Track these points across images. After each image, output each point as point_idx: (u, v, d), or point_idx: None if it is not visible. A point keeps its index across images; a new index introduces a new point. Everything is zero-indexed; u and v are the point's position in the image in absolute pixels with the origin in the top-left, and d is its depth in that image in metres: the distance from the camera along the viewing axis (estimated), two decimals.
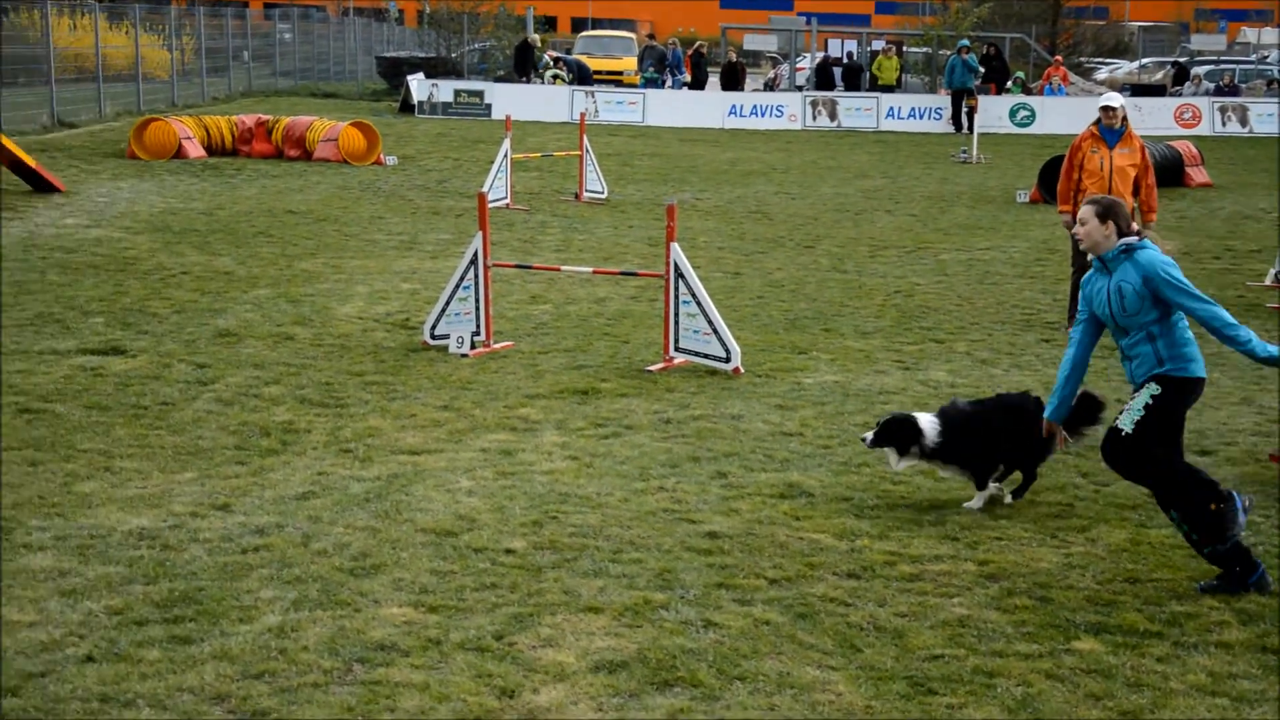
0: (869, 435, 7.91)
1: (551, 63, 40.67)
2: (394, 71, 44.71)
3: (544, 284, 14.68)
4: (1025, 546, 7.32)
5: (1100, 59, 54.42)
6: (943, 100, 37.66)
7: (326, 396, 10.02)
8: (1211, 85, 43.50)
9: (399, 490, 7.95)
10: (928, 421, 7.81)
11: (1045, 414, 7.18)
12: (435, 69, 42.73)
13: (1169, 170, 23.93)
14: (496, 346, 11.72)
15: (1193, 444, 8.66)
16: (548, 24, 70.34)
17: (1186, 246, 13.47)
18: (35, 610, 6.07)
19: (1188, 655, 6.03)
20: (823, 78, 41.45)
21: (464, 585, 6.57)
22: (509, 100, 36.32)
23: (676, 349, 11.21)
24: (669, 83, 42.30)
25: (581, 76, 40.32)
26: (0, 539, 6.93)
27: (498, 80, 40.87)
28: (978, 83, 36.95)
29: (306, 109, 34.77)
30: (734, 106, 38.22)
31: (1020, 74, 41.13)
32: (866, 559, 7.05)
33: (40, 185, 19.58)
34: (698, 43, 44.49)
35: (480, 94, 37.92)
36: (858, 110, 37.69)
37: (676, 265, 11.10)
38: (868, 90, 39.80)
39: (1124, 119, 12.86)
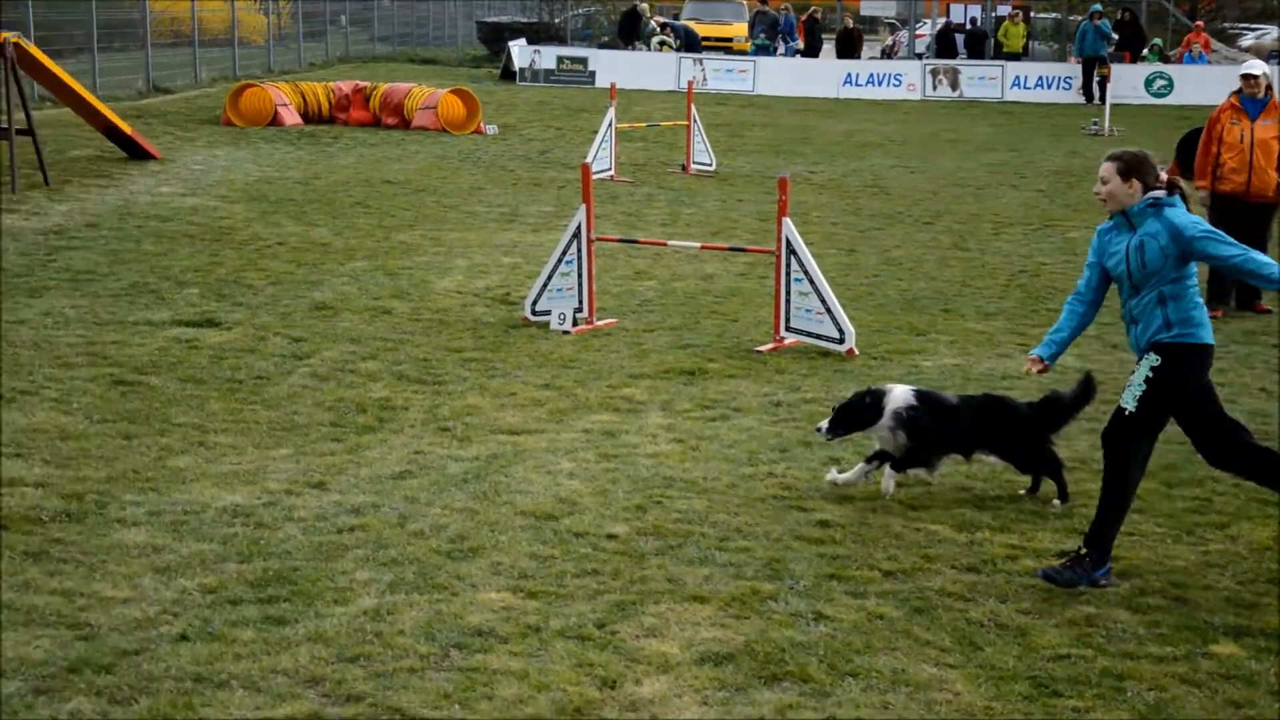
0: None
1: (658, 29, 40.57)
2: (495, 37, 44.96)
3: (649, 259, 14.68)
4: (1159, 543, 7.18)
5: (1245, 24, 52.99)
6: (1073, 69, 36.93)
7: (424, 373, 10.11)
8: None
9: (498, 471, 8.01)
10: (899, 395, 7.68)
11: (1033, 350, 6.95)
12: (538, 35, 42.91)
13: None
14: (600, 324, 11.74)
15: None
16: None
17: None
18: (129, 586, 6.21)
19: None
20: (944, 45, 40.87)
21: (564, 571, 6.60)
22: (614, 68, 36.33)
23: (787, 329, 11.15)
24: (781, 50, 42.00)
25: (689, 43, 40.19)
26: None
27: (602, 47, 40.92)
28: (1111, 50, 36.17)
29: (405, 75, 35.10)
30: (849, 75, 37.86)
31: (1157, 41, 40.21)
32: (987, 552, 6.96)
33: (136, 152, 20.00)
34: (811, 8, 44.11)
35: (584, 61, 38.00)
36: (981, 79, 37.12)
37: (788, 241, 11.03)
38: (992, 58, 39.18)
39: (1268, 88, 12.51)
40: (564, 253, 11.73)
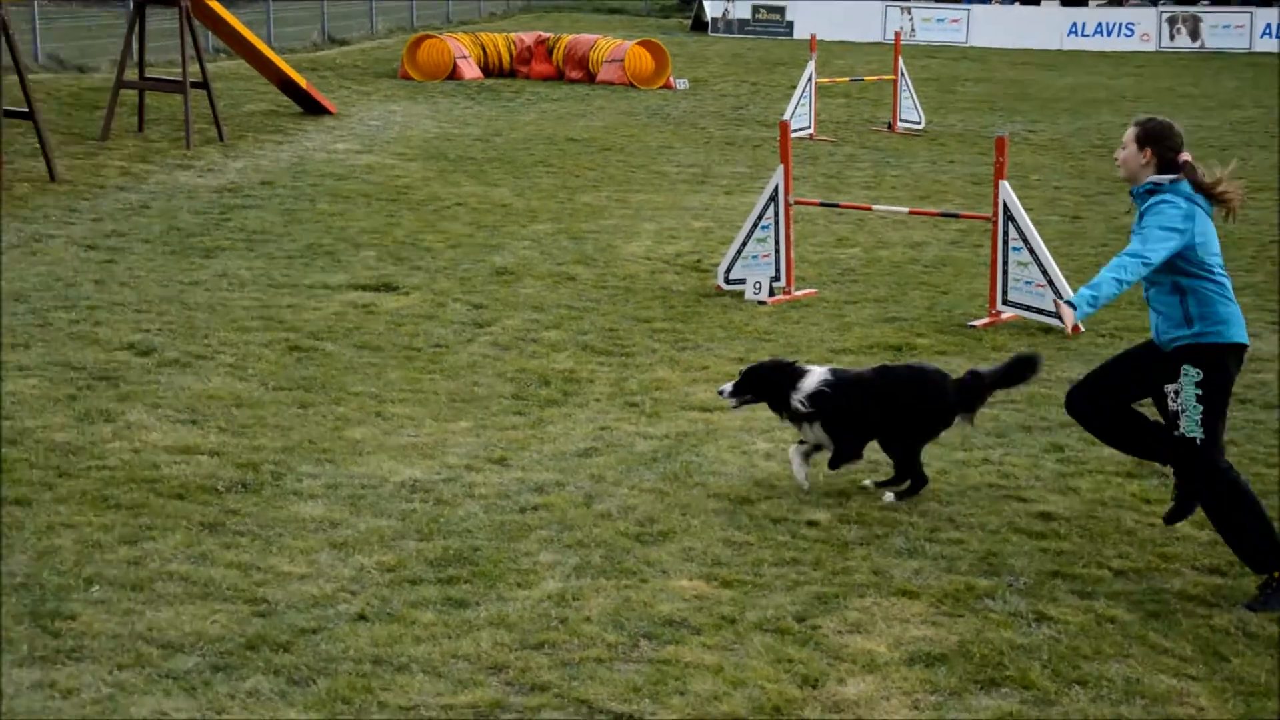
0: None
1: None
2: None
3: (852, 225, 14.54)
4: None
5: None
6: None
7: (610, 344, 10.18)
8: None
9: (689, 450, 8.02)
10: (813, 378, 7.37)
11: (1068, 298, 6.57)
12: None
13: None
14: (798, 294, 11.67)
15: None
16: None
17: None
18: (307, 562, 6.39)
19: None
20: None
21: (761, 559, 6.59)
22: (813, 18, 36.03)
23: (1004, 302, 10.93)
24: None
25: None
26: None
27: None
28: None
29: (590, 26, 35.35)
30: (1075, 24, 36.92)
31: None
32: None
33: (311, 107, 20.53)
34: None
35: (781, 11, 37.76)
36: (1226, 28, 35.84)
37: (1006, 206, 10.80)
38: (1239, 3, 37.74)
39: None
40: (760, 217, 11.68)
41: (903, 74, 21.43)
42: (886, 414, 7.34)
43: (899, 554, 6.69)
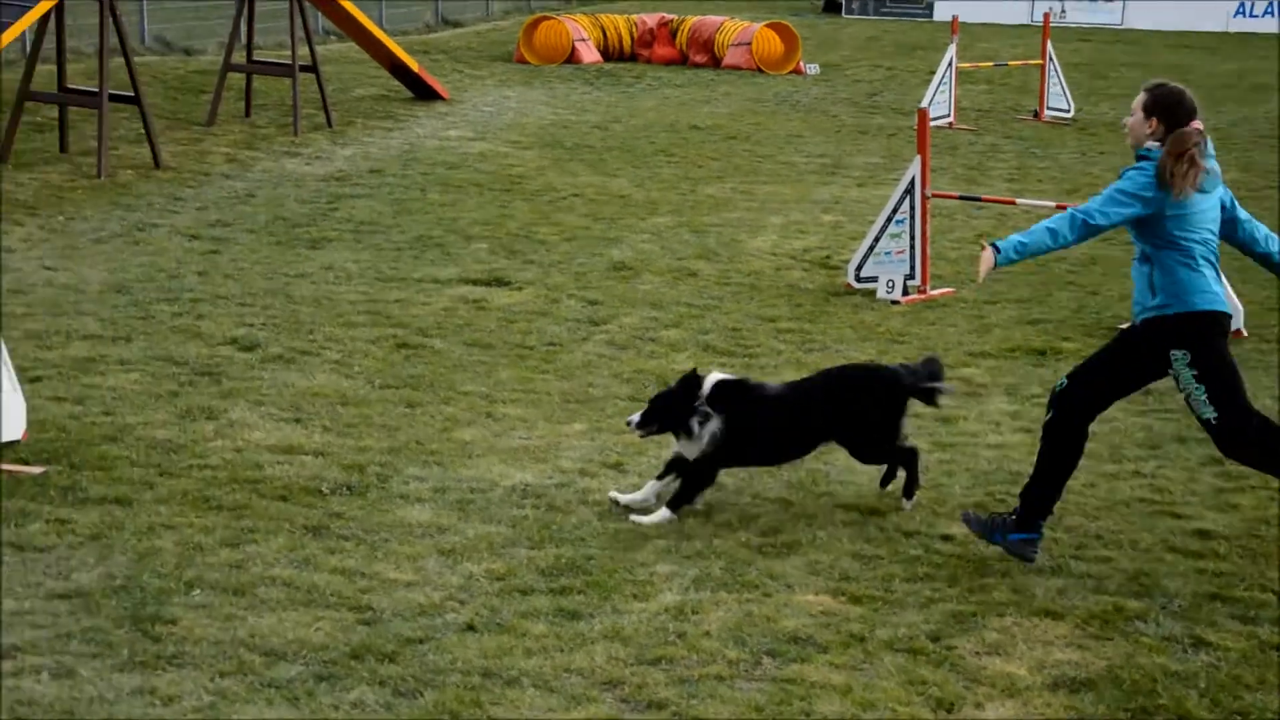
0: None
1: None
2: None
3: (993, 220, 14.39)
4: None
5: None
6: None
7: (733, 344, 10.18)
8: None
9: (815, 458, 7.98)
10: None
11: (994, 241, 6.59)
12: None
13: None
14: (934, 293, 11.58)
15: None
16: None
17: None
18: (413, 569, 6.47)
19: None
20: None
21: (892, 574, 6.55)
22: None
23: None
24: None
25: None
26: None
27: None
28: None
29: (715, 8, 35.36)
30: (1242, 5, 36.17)
31: None
32: None
33: (423, 92, 20.78)
34: None
35: None
36: None
37: None
38: None
39: None
40: (894, 211, 11.61)
41: (1051, 59, 21.16)
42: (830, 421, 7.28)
43: (1041, 571, 6.61)
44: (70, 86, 15.69)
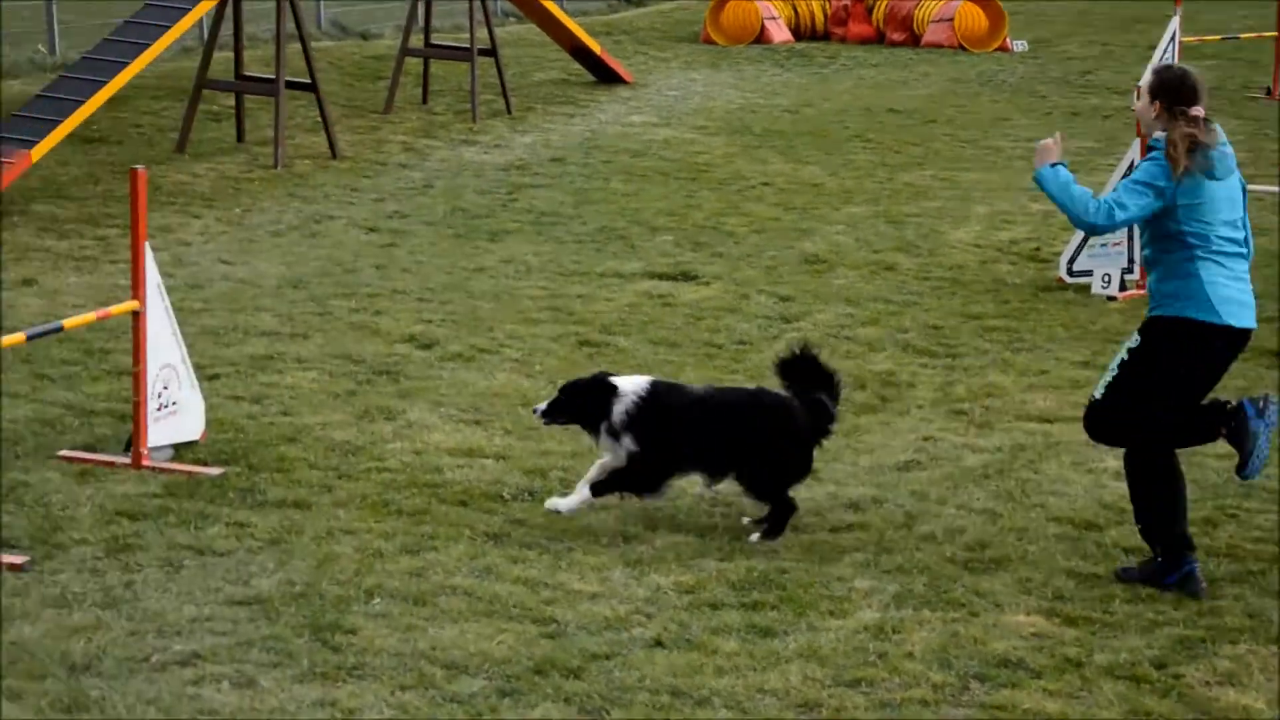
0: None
1: None
2: None
3: None
4: None
5: None
6: None
7: (934, 343, 10.09)
8: None
9: (1025, 466, 7.89)
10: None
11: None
12: None
13: None
14: None
15: None
16: None
17: None
18: (598, 580, 6.52)
19: None
20: None
21: (1111, 594, 6.45)
22: None
23: None
24: None
25: None
26: None
27: None
28: None
29: None
30: None
31: None
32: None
33: (605, 75, 20.90)
34: None
35: None
36: None
37: None
38: None
39: None
40: None
41: None
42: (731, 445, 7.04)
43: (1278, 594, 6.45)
44: (247, 74, 16.09)
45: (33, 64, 18.29)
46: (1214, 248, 6.54)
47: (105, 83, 13.47)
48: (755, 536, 7.01)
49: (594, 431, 7.12)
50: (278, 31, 15.50)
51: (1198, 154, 6.46)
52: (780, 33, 25.64)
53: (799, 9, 26.21)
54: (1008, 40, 25.35)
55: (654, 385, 7.16)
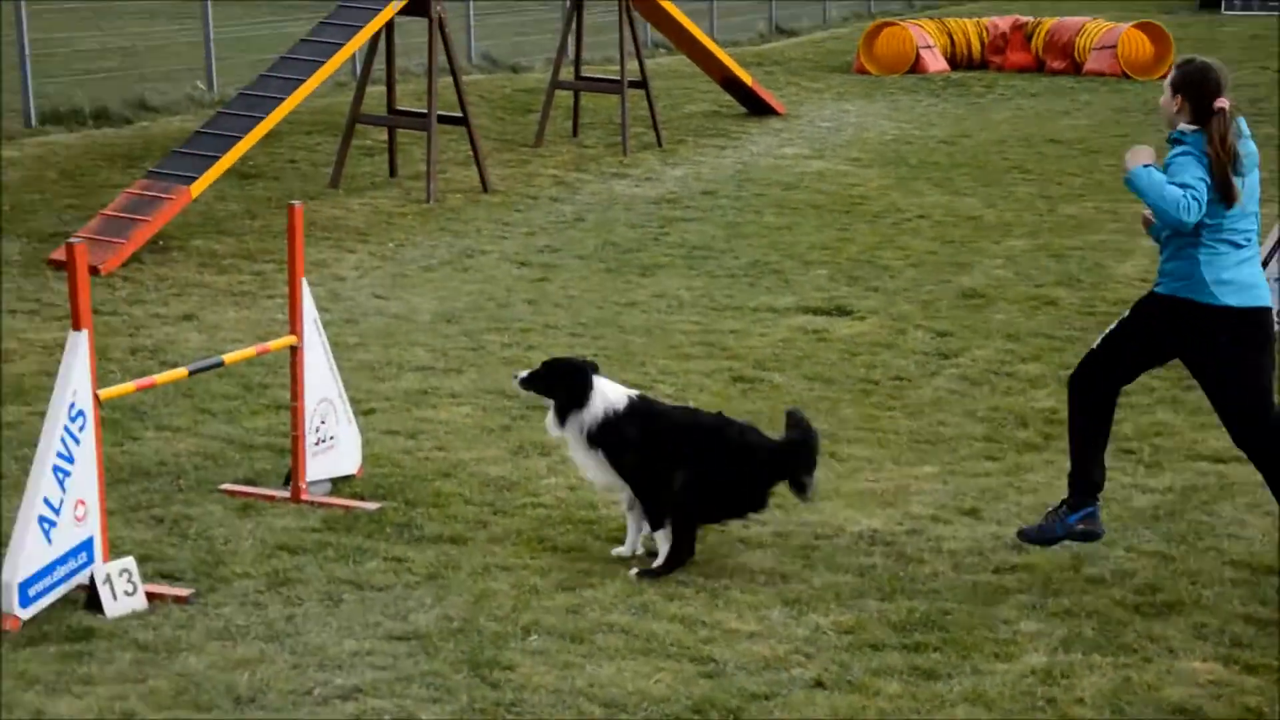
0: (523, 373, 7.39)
1: None
2: None
3: None
4: None
5: None
6: None
7: None
8: None
9: (1199, 508, 7.79)
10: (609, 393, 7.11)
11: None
12: None
13: None
14: None
15: None
16: None
17: None
18: (756, 619, 6.54)
19: None
20: None
21: None
22: None
23: None
24: None
25: None
26: None
27: None
28: None
29: (1075, 8, 34.69)
30: None
31: None
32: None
33: (756, 106, 20.99)
34: None
35: None
36: None
37: None
38: None
39: None
40: None
41: None
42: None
43: None
44: (399, 109, 16.39)
45: (191, 101, 18.82)
46: (1222, 236, 6.71)
47: (261, 119, 13.81)
48: (634, 572, 7.00)
49: (562, 417, 7.20)
50: (429, 66, 15.78)
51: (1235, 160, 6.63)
52: (936, 62, 25.56)
53: (955, 37, 26.12)
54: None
55: (634, 400, 7.23)
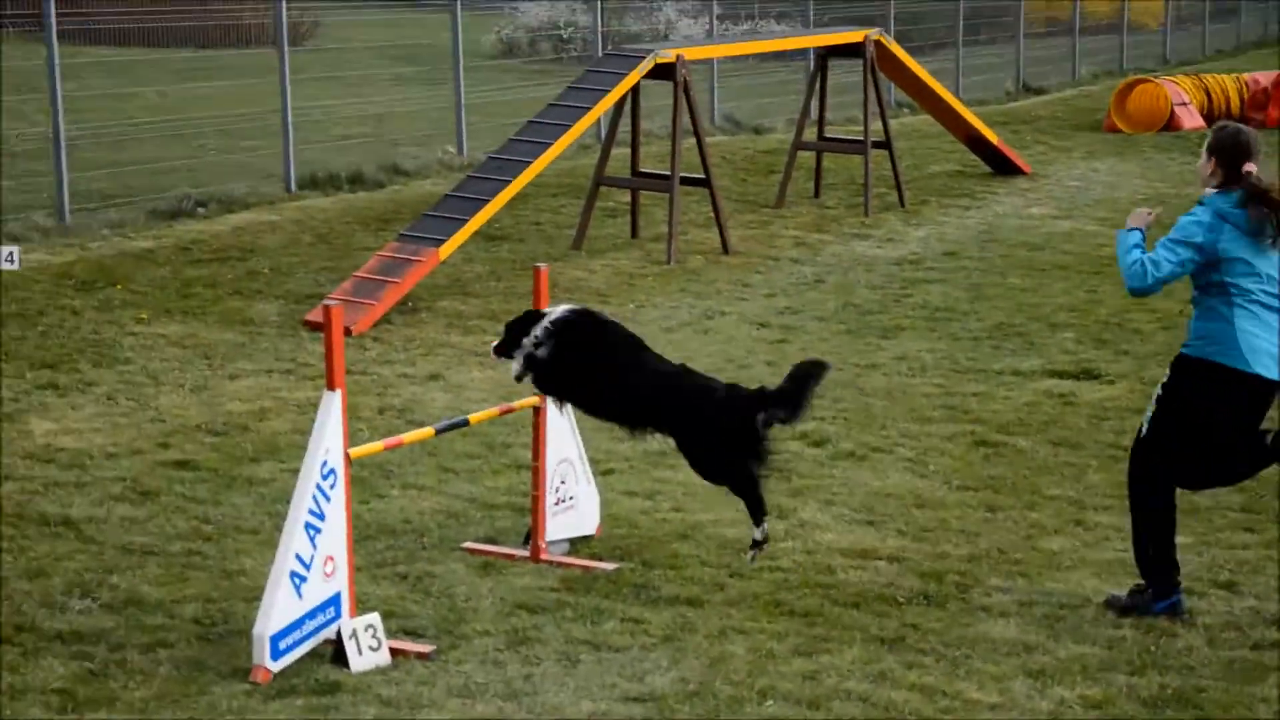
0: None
1: None
2: None
3: None
4: None
5: None
6: None
7: None
8: None
9: None
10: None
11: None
12: None
13: None
14: None
15: None
16: None
17: None
18: (998, 690, 6.44)
19: None
20: None
21: None
22: None
23: None
24: None
25: None
26: None
27: None
28: None
29: None
30: None
31: None
32: None
33: (1002, 166, 20.76)
34: None
35: None
36: None
37: None
38: None
39: None
40: None
41: None
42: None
43: None
44: (643, 170, 16.59)
45: (441, 165, 19.30)
46: (1253, 298, 6.97)
47: (509, 182, 14.10)
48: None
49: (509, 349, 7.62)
50: (673, 128, 15.95)
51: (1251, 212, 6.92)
52: (1191, 119, 24.99)
53: (1212, 93, 25.52)
54: None
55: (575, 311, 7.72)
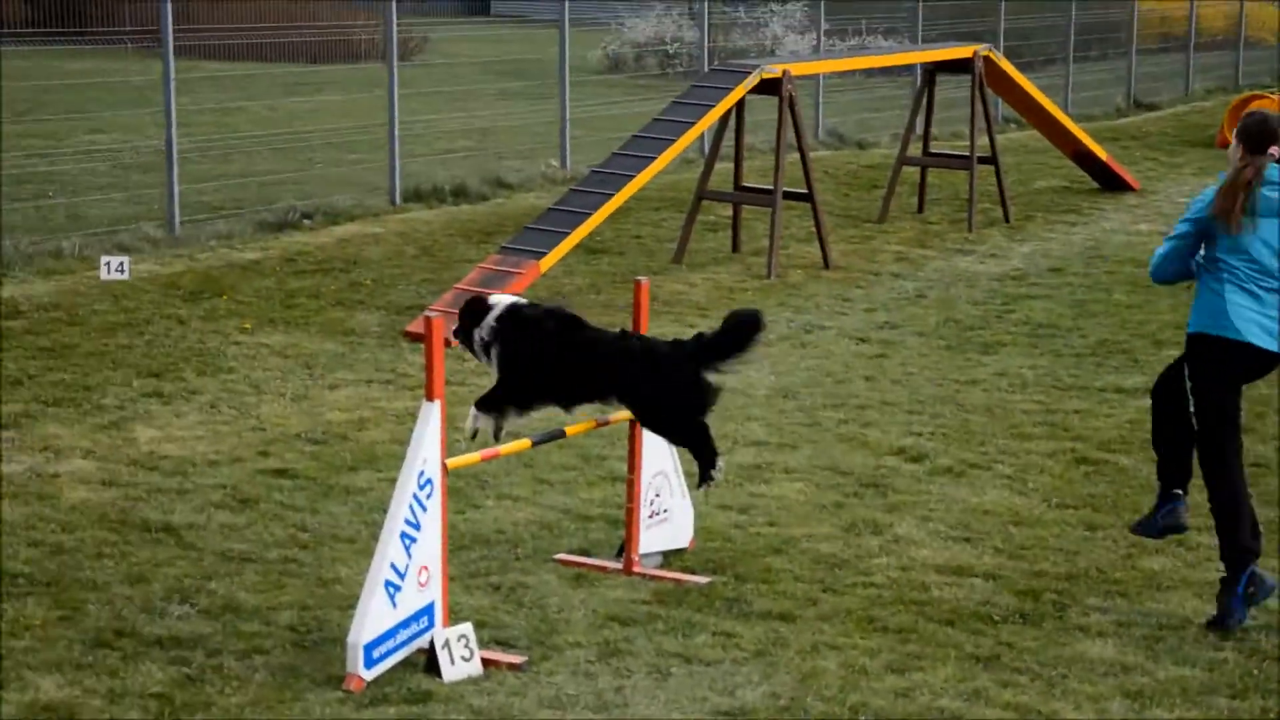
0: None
1: None
2: None
3: None
4: None
5: None
6: None
7: None
8: None
9: None
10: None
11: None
12: None
13: None
14: None
15: None
16: None
17: None
18: (1094, 710, 6.37)
19: None
20: None
21: None
22: None
23: None
24: None
25: None
26: None
27: None
28: None
29: None
30: None
31: None
32: None
33: (1110, 182, 20.53)
34: None
35: None
36: None
37: None
38: None
39: None
40: None
41: None
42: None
43: None
44: (745, 185, 16.58)
45: (544, 178, 19.40)
46: (1243, 276, 7.20)
47: (611, 195, 14.14)
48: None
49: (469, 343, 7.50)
50: (777, 143, 15.93)
51: (1237, 213, 7.14)
52: None
53: None
54: None
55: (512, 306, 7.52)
